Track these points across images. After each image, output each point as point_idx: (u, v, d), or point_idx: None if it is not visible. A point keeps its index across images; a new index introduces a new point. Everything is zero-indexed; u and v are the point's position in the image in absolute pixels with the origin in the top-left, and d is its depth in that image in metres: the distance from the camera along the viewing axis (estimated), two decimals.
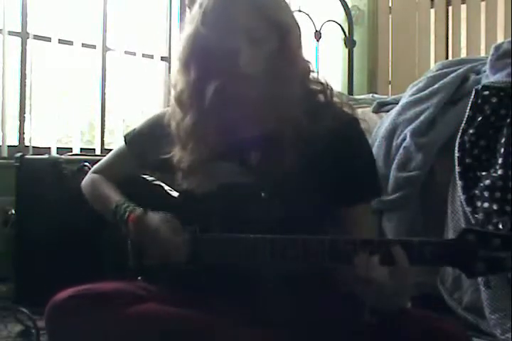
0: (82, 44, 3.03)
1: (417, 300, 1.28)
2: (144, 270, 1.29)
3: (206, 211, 1.20)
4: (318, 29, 3.63)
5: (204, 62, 1.19)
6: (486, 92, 1.89)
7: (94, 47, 3.12)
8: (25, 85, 2.85)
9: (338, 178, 1.17)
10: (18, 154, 2.29)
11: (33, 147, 2.77)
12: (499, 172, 1.77)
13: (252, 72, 1.16)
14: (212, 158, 1.21)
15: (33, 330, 1.79)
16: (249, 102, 1.19)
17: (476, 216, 1.80)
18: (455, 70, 2.20)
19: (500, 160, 1.79)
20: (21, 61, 2.85)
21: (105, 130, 3.18)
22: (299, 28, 1.23)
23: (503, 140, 1.80)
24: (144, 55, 3.27)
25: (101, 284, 1.18)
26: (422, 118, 2.10)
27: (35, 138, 2.86)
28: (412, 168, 2.07)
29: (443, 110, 2.10)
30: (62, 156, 2.40)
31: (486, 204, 1.77)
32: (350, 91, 3.75)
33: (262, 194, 1.17)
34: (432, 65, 3.13)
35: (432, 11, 4.01)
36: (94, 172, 1.46)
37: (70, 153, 2.68)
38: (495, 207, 1.75)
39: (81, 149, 2.96)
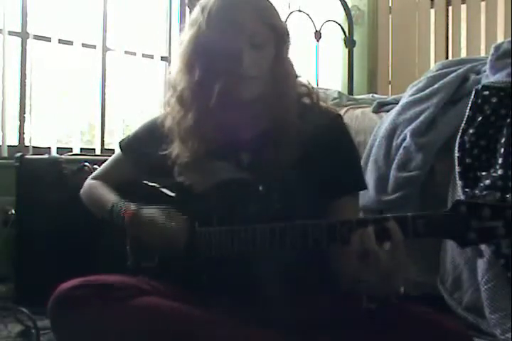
0: (82, 44, 3.02)
1: (417, 300, 1.27)
2: (142, 269, 1.30)
3: (204, 206, 1.22)
4: (318, 29, 3.63)
5: (207, 63, 1.23)
6: (486, 92, 1.89)
7: (94, 47, 3.12)
8: (25, 85, 2.85)
9: (325, 171, 1.23)
10: (18, 154, 2.29)
11: (33, 147, 2.76)
12: (499, 172, 1.77)
13: (254, 75, 1.22)
14: (210, 156, 1.25)
15: (33, 330, 1.79)
16: (250, 103, 1.25)
17: None
18: (455, 70, 2.20)
19: (500, 160, 1.78)
20: (21, 61, 2.85)
21: (105, 130, 3.17)
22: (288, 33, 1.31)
23: (503, 140, 1.80)
24: (143, 55, 3.26)
25: (106, 275, 1.20)
26: (422, 118, 2.10)
27: (35, 138, 2.85)
28: (412, 168, 2.07)
29: (443, 110, 2.10)
30: (62, 156, 2.39)
31: None
32: (350, 92, 3.75)
33: (260, 188, 1.21)
34: (432, 65, 3.13)
35: (432, 11, 4.01)
36: (93, 179, 1.50)
37: (70, 153, 2.67)
38: None
39: (81, 149, 2.95)
